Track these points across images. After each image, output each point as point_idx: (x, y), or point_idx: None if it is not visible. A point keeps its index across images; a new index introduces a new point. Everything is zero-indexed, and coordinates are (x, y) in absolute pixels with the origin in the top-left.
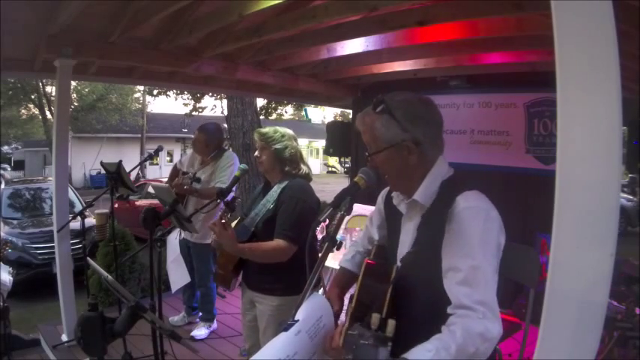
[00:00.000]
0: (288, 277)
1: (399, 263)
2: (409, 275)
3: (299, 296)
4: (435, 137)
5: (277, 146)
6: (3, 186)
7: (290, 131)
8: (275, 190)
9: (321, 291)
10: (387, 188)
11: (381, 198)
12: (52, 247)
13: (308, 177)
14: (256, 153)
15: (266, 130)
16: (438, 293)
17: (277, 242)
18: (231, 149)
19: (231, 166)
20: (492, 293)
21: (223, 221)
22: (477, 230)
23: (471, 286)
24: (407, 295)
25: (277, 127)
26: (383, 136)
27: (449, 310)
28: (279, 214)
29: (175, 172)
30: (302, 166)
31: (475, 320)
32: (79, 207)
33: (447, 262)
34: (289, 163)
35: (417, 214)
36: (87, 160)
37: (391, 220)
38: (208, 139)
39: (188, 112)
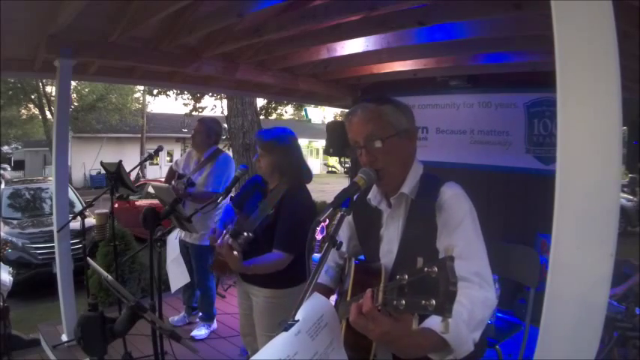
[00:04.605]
0: (283, 270)
1: (382, 260)
2: (402, 268)
3: (293, 288)
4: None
5: (276, 157)
6: (3, 186)
7: (292, 134)
8: (274, 196)
9: None
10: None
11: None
12: (52, 247)
13: (308, 179)
14: (255, 158)
15: (268, 139)
16: None
17: (278, 255)
18: (230, 151)
19: (226, 170)
20: (486, 265)
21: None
22: (466, 211)
23: (467, 259)
24: None
25: (280, 133)
26: (394, 121)
27: None
28: (278, 226)
29: (172, 174)
30: (301, 169)
31: (475, 289)
32: (79, 207)
33: (443, 243)
34: (288, 171)
35: (402, 210)
36: (87, 160)
37: (364, 224)
38: (209, 130)
39: (188, 112)
